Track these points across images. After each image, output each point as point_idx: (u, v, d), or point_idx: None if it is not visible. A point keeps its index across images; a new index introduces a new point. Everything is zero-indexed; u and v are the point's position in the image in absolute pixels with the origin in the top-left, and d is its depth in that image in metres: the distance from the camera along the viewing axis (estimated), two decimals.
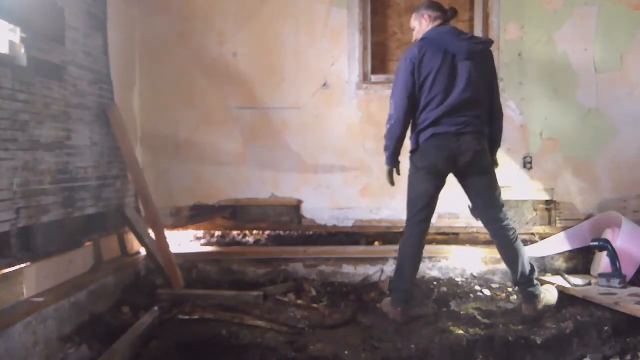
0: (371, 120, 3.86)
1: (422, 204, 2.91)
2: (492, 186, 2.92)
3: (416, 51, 2.82)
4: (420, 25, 2.98)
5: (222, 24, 3.88)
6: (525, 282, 2.85)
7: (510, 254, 2.88)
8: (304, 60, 3.86)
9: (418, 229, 2.95)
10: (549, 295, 2.92)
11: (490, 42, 2.94)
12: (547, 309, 2.87)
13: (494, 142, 2.99)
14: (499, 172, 3.75)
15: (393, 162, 2.98)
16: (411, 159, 2.93)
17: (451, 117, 2.80)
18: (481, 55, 2.85)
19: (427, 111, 2.83)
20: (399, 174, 3.02)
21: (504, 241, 2.88)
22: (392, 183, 3.03)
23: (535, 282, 2.87)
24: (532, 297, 2.85)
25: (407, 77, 2.82)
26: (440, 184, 2.93)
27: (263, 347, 2.48)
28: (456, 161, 2.83)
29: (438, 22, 2.93)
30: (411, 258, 2.93)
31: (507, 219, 2.91)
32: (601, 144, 3.77)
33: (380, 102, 3.86)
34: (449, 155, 2.81)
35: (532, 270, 2.88)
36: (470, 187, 2.94)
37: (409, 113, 2.85)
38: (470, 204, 3.03)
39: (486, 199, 2.92)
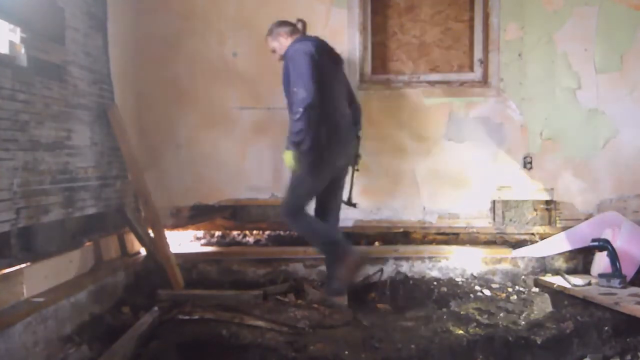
0: (371, 120, 3.85)
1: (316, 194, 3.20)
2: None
3: (306, 45, 3.00)
4: (280, 43, 3.21)
5: (222, 24, 3.89)
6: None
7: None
8: None
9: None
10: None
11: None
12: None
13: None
14: (499, 172, 3.81)
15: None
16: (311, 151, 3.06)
17: (341, 117, 3.12)
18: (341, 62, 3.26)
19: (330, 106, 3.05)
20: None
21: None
22: (299, 170, 3.06)
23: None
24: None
25: (312, 64, 2.92)
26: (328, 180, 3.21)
27: (263, 347, 2.48)
28: (344, 159, 3.23)
29: (297, 34, 3.21)
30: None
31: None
32: (601, 144, 3.77)
33: (380, 102, 3.86)
34: (346, 152, 3.19)
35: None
36: (334, 187, 3.27)
37: (317, 97, 2.92)
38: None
39: (339, 199, 3.35)
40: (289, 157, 2.94)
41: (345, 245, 3.12)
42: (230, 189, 3.92)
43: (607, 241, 3.16)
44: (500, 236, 3.83)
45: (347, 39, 3.85)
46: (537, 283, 3.41)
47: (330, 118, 3.02)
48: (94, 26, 3.21)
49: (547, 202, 3.83)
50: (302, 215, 3.10)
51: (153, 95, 3.91)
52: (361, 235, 3.89)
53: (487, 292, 3.33)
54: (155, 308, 2.91)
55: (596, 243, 3.20)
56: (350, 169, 3.35)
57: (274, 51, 3.26)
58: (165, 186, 3.89)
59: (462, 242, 3.83)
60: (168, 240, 3.43)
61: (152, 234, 3.42)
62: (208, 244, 3.98)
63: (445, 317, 2.89)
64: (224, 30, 3.89)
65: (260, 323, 2.77)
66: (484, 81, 3.87)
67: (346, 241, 3.17)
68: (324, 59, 3.04)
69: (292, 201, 3.08)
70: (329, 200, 3.26)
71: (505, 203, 3.85)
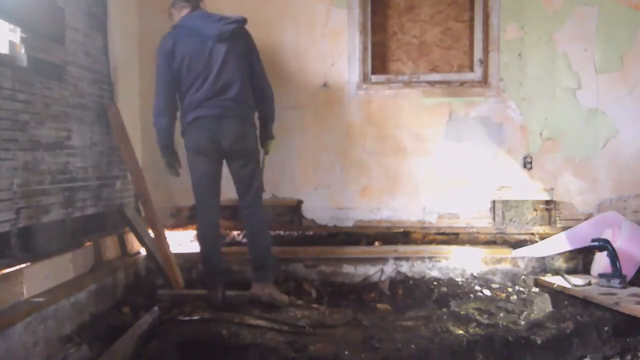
0: (371, 120, 3.86)
1: (204, 185, 3.06)
2: (252, 172, 3.08)
3: (166, 43, 2.96)
4: (173, 20, 3.10)
5: None
6: (260, 267, 3.08)
7: (255, 242, 3.12)
8: (304, 60, 3.86)
9: (210, 211, 3.11)
10: (278, 294, 3.08)
11: (242, 21, 2.98)
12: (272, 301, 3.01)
13: (266, 120, 3.15)
14: (499, 172, 3.81)
15: (169, 153, 3.13)
16: (184, 141, 3.06)
17: (211, 100, 2.92)
18: (233, 35, 2.92)
19: (189, 95, 2.96)
20: (179, 164, 3.20)
21: (253, 230, 3.13)
22: (177, 174, 3.19)
23: (270, 272, 3.10)
24: (261, 279, 3.07)
25: (164, 71, 2.96)
26: (213, 167, 3.04)
27: (263, 347, 2.48)
28: (220, 144, 2.94)
29: (186, 11, 3.05)
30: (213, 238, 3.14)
31: (259, 207, 3.09)
32: (601, 144, 3.77)
33: (380, 102, 3.86)
34: (211, 137, 2.94)
35: (271, 262, 3.13)
36: (233, 171, 3.09)
37: (170, 104, 3.02)
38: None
39: (244, 184, 3.08)
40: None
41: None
42: (230, 189, 3.90)
43: (607, 241, 3.16)
44: (500, 236, 3.83)
45: (347, 39, 3.85)
46: (537, 283, 3.41)
47: (190, 112, 2.99)
48: (94, 26, 3.21)
49: (547, 202, 3.83)
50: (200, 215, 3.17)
51: (153, 95, 3.88)
52: (361, 235, 3.89)
53: (487, 292, 3.33)
54: (155, 308, 2.91)
55: (596, 243, 3.20)
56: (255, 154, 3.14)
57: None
58: (165, 186, 3.89)
59: (462, 242, 3.83)
60: (168, 240, 3.43)
61: (152, 234, 3.42)
62: None
63: (445, 317, 2.90)
64: None
65: (260, 323, 2.77)
66: (484, 81, 3.87)
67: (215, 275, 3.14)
68: (187, 47, 2.92)
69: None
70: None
71: (505, 203, 3.84)
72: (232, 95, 2.94)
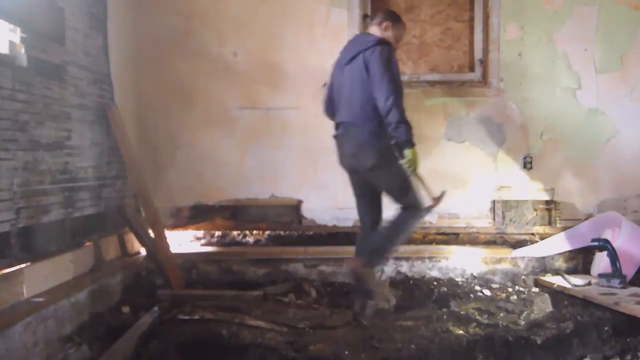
0: None
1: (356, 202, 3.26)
2: (378, 186, 3.08)
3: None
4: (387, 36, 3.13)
5: (222, 24, 3.88)
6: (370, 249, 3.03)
7: (380, 228, 3.09)
8: (304, 60, 3.86)
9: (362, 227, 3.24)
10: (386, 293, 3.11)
11: (373, 43, 2.95)
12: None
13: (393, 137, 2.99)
14: (499, 172, 3.81)
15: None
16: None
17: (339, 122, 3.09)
18: (357, 57, 2.97)
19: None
20: None
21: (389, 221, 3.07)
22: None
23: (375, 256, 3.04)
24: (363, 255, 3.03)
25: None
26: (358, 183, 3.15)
27: (263, 347, 2.48)
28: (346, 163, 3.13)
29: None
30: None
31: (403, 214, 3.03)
32: (601, 144, 3.77)
33: None
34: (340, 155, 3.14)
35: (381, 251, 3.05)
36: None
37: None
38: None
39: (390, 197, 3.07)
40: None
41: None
42: (230, 189, 3.92)
43: (607, 241, 3.16)
44: (500, 236, 3.83)
45: (347, 39, 3.84)
46: (537, 283, 3.41)
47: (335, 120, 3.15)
48: (94, 26, 3.21)
49: (547, 202, 3.83)
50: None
51: (153, 95, 3.91)
52: None
53: (487, 292, 3.33)
54: (155, 308, 2.91)
55: (596, 243, 3.20)
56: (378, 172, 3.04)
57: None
58: (165, 186, 3.89)
59: (462, 242, 3.83)
60: (168, 240, 3.43)
61: (152, 234, 3.42)
62: (208, 244, 3.98)
63: (445, 317, 2.89)
64: (224, 30, 3.88)
65: (260, 323, 2.77)
66: (484, 81, 3.87)
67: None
68: (336, 64, 3.14)
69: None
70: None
71: (505, 203, 3.85)
72: (348, 115, 3.02)
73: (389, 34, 3.08)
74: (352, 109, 2.99)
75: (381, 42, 2.97)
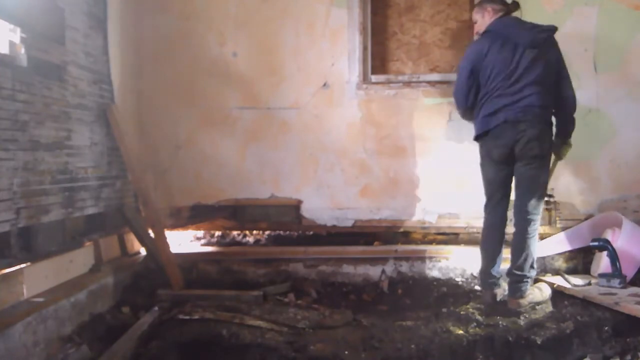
0: (371, 120, 3.86)
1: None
2: (535, 176, 2.92)
3: (479, 47, 2.98)
4: (483, 18, 3.09)
5: (222, 24, 3.88)
6: (517, 277, 2.89)
7: (518, 243, 2.92)
8: (304, 60, 3.86)
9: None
10: (537, 292, 2.96)
11: (553, 29, 2.98)
12: (533, 305, 2.91)
13: (567, 126, 3.05)
14: None
15: None
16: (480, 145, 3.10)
17: (511, 105, 2.89)
18: (544, 43, 2.93)
19: (492, 98, 2.94)
20: None
21: (520, 230, 2.92)
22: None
23: (527, 280, 2.90)
24: (516, 292, 2.90)
25: (466, 77, 3.01)
26: (503, 171, 3.01)
27: (263, 347, 2.49)
28: (513, 148, 2.90)
29: (500, 15, 3.05)
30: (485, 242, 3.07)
31: (535, 213, 2.92)
32: (601, 144, 3.76)
33: (380, 102, 3.86)
34: (506, 142, 2.90)
35: (530, 269, 2.91)
36: (519, 172, 2.97)
37: (470, 106, 3.09)
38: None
39: (523, 185, 2.95)
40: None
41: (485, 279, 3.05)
42: (230, 189, 3.92)
43: (607, 241, 3.16)
44: None
45: (347, 39, 3.85)
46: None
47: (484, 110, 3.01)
48: (94, 26, 3.21)
49: (547, 202, 3.82)
50: (486, 209, 3.10)
51: (153, 95, 3.91)
52: (361, 235, 3.89)
53: None
54: (155, 308, 2.92)
55: (596, 243, 3.19)
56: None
57: (475, 22, 3.15)
58: (165, 186, 3.89)
59: (462, 242, 3.83)
60: (168, 240, 3.44)
61: (152, 234, 3.42)
62: (208, 244, 3.98)
63: (445, 317, 2.90)
64: (224, 30, 3.88)
65: (260, 323, 2.77)
66: None
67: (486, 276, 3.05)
68: (491, 55, 2.94)
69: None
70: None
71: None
72: (534, 100, 2.87)
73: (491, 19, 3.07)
74: (541, 92, 2.87)
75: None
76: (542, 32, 2.94)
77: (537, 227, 2.95)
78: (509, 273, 2.94)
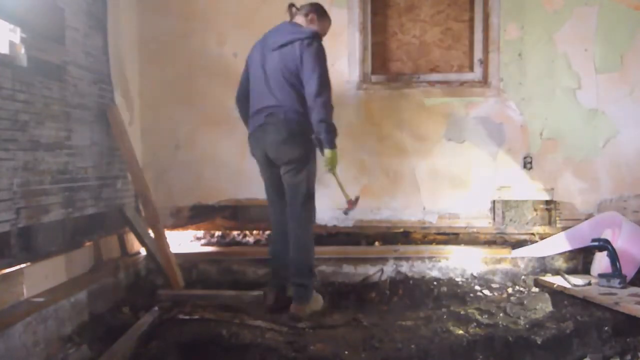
0: (371, 120, 3.86)
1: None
2: (298, 181, 2.97)
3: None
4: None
5: (222, 24, 3.88)
6: (295, 285, 2.99)
7: (293, 257, 3.01)
8: None
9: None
10: (315, 304, 3.06)
11: (303, 36, 2.90)
12: (312, 313, 2.99)
13: (315, 131, 2.92)
14: (499, 172, 3.81)
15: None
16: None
17: (257, 111, 2.98)
18: (292, 44, 2.88)
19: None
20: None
21: (292, 238, 3.01)
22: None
23: (307, 285, 3.00)
24: (300, 299, 2.99)
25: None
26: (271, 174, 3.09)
27: (263, 347, 2.48)
28: (266, 152, 3.00)
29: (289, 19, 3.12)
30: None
31: (303, 217, 2.99)
32: (601, 144, 3.77)
33: (380, 102, 3.86)
34: (258, 146, 3.03)
35: (310, 275, 3.02)
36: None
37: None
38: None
39: (288, 191, 3.02)
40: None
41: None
42: (230, 189, 3.92)
43: (607, 241, 3.16)
44: (500, 236, 3.83)
45: (347, 39, 3.85)
46: (537, 283, 3.41)
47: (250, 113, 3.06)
48: (94, 26, 3.21)
49: (547, 202, 3.83)
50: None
51: (153, 95, 3.91)
52: (361, 235, 3.89)
53: (487, 292, 3.33)
54: (155, 308, 2.91)
55: (596, 243, 3.20)
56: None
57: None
58: (165, 186, 3.89)
59: (462, 242, 3.83)
60: (168, 240, 3.43)
61: (152, 234, 3.42)
62: (208, 244, 3.98)
63: (445, 317, 2.90)
64: (224, 30, 3.88)
65: (260, 323, 2.76)
66: (484, 81, 3.87)
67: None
68: (253, 56, 3.07)
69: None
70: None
71: (505, 203, 3.85)
72: (272, 104, 2.91)
73: (314, 27, 3.04)
74: (282, 94, 2.90)
75: (317, 35, 2.95)
76: (287, 35, 2.94)
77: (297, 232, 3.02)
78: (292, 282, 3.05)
